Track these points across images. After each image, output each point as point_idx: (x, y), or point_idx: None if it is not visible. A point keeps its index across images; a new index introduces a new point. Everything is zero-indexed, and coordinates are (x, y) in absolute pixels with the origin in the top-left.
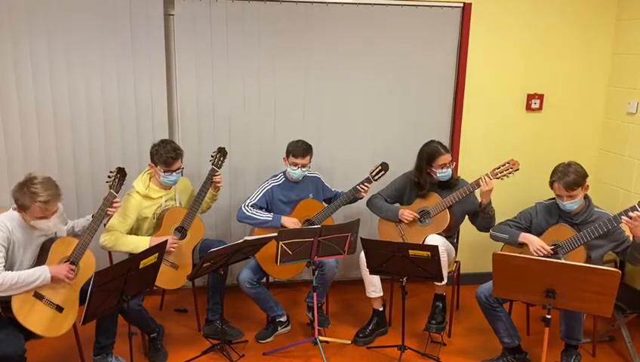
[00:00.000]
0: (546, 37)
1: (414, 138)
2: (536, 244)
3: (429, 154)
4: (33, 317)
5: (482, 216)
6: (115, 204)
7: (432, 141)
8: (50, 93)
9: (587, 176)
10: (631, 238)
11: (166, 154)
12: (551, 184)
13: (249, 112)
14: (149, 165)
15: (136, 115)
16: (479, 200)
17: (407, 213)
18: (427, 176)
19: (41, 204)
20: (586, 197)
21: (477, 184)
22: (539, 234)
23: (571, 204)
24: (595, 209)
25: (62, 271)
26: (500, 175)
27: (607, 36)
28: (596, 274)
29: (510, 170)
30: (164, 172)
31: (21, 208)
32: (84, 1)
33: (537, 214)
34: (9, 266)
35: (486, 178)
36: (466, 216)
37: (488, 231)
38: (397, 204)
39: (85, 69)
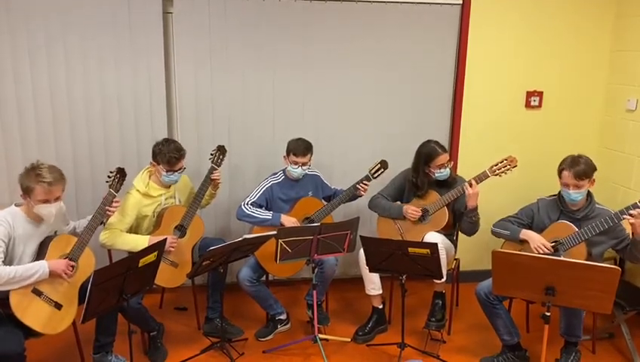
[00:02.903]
0: (546, 34)
1: (414, 136)
2: (536, 242)
3: (426, 154)
4: (31, 313)
5: (466, 219)
6: (114, 204)
7: (428, 141)
8: (48, 92)
9: (596, 169)
10: (631, 236)
11: (169, 154)
12: (560, 172)
13: (248, 110)
14: (151, 163)
15: (135, 113)
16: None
17: (412, 210)
18: (425, 176)
19: (45, 185)
20: (588, 192)
21: (464, 188)
22: (540, 230)
23: (576, 195)
24: (597, 205)
25: (60, 267)
26: (498, 172)
27: (607, 33)
28: (596, 271)
29: (508, 166)
30: (167, 171)
31: (26, 192)
32: (83, 1)
33: (539, 210)
34: (8, 262)
35: (470, 183)
36: None
37: (470, 236)
38: (398, 203)
39: (84, 68)
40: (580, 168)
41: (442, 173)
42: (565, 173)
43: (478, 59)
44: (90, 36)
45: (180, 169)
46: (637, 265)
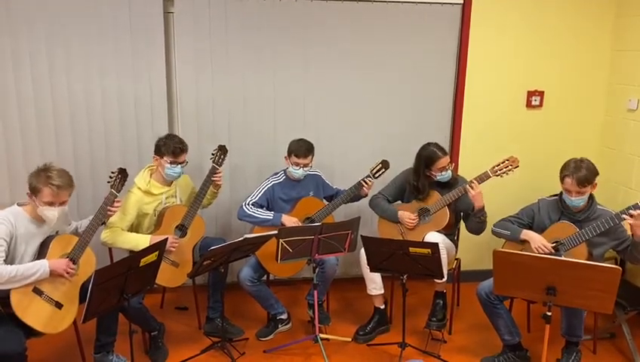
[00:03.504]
0: (546, 34)
1: (415, 135)
2: (537, 242)
3: (427, 158)
4: (32, 312)
5: (473, 220)
6: (116, 204)
7: (428, 144)
8: (49, 91)
9: (598, 174)
10: (631, 237)
11: (174, 145)
12: (562, 178)
13: (249, 109)
14: (154, 158)
15: (136, 112)
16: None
17: (407, 219)
18: (426, 179)
19: (54, 188)
20: (589, 194)
21: (465, 189)
22: (541, 231)
23: (579, 201)
24: (598, 206)
25: (61, 266)
26: (499, 172)
27: (607, 33)
28: (597, 271)
29: (510, 167)
30: (171, 163)
31: (33, 192)
32: None
33: (540, 210)
34: (10, 261)
35: (471, 184)
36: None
37: (478, 235)
38: (398, 202)
39: (85, 67)
40: (582, 175)
41: (444, 176)
42: (568, 180)
43: (478, 59)
44: (91, 35)
45: (183, 162)
46: (637, 265)
